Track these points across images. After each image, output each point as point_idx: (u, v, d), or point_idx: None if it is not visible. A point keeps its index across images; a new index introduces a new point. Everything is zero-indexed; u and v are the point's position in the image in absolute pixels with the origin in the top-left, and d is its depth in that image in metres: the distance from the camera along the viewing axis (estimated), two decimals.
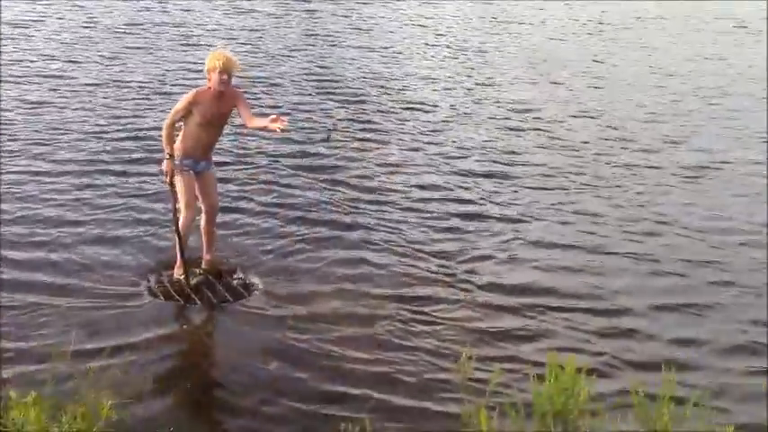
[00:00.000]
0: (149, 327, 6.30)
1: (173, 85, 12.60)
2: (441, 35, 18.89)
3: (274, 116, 6.49)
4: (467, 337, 6.47)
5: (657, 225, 8.94)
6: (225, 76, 6.40)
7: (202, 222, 6.96)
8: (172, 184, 6.60)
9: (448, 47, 17.62)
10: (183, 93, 11.06)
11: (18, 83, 12.26)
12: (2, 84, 12.03)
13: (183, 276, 6.91)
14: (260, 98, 12.30)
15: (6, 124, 10.44)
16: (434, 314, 6.76)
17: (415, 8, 22.46)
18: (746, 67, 17.15)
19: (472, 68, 15.68)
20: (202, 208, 6.93)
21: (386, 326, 6.53)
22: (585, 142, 11.65)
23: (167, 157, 6.50)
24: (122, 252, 7.45)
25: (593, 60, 17.24)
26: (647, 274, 7.84)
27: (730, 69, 17.03)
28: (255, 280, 7.07)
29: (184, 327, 6.50)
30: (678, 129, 12.53)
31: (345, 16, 20.23)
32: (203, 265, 7.07)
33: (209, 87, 6.49)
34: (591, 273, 7.75)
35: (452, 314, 6.78)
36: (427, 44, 17.77)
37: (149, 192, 8.83)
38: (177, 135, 6.63)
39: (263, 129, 6.84)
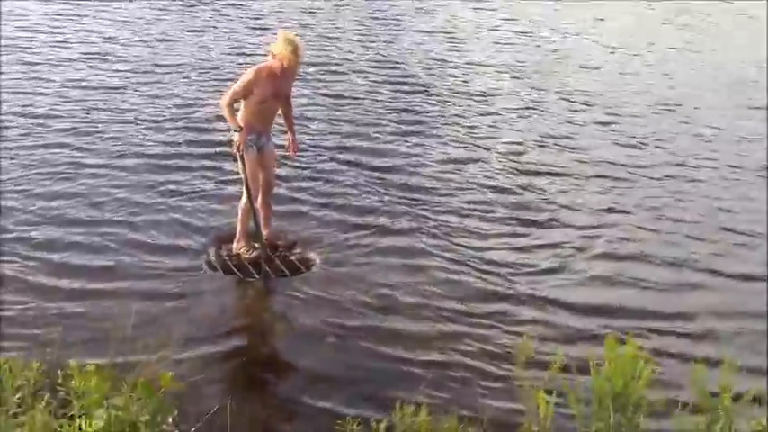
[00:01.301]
0: (208, 299, 6.38)
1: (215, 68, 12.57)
2: (510, 20, 18.13)
3: (293, 147, 7.15)
4: (527, 323, 6.40)
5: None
6: (284, 68, 6.42)
7: (260, 196, 7.00)
8: (242, 157, 6.63)
9: (513, 32, 17.03)
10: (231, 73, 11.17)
11: (60, 65, 12.12)
12: (40, 69, 11.89)
13: (242, 249, 6.97)
14: (315, 85, 12.13)
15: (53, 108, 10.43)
16: (489, 314, 6.53)
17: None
18: None
19: (539, 59, 14.99)
20: (260, 181, 6.96)
21: (438, 320, 6.41)
22: (656, 137, 10.96)
23: (237, 129, 6.52)
24: (180, 227, 7.53)
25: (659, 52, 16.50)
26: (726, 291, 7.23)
27: None
28: (313, 256, 7.08)
29: (242, 300, 6.55)
30: None
31: None
32: (263, 239, 7.11)
33: (270, 66, 6.49)
34: (661, 289, 7.17)
35: (508, 317, 6.53)
36: (492, 28, 17.21)
37: (205, 165, 8.92)
38: (237, 111, 6.66)
39: (288, 133, 7.14)
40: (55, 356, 4.63)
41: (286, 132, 7.21)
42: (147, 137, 9.61)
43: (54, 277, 6.54)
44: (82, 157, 8.88)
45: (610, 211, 8.62)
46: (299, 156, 8.16)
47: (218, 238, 7.32)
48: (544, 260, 7.43)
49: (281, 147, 7.71)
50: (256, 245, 6.96)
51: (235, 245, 7.04)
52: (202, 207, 7.94)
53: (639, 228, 8.24)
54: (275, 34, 6.57)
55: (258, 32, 14.63)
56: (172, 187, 8.31)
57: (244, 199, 6.84)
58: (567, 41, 16.38)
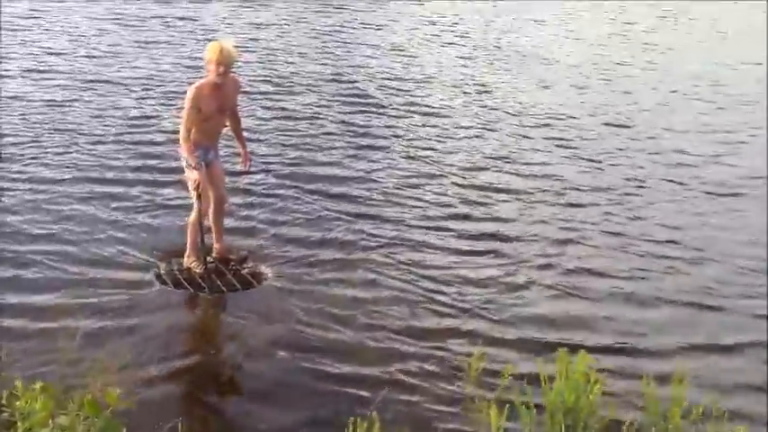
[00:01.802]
0: (158, 314, 6.27)
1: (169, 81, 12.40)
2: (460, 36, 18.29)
3: (246, 160, 7.06)
4: (478, 338, 6.41)
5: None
6: (222, 68, 6.32)
7: (211, 212, 6.93)
8: (200, 197, 6.53)
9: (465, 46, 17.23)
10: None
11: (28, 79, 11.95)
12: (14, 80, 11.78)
13: (193, 264, 6.89)
14: (264, 102, 12.00)
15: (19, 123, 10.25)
16: (441, 331, 6.49)
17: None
18: None
19: (488, 71, 15.22)
20: (211, 197, 6.89)
21: (390, 336, 6.37)
22: (610, 155, 11.05)
23: (198, 167, 6.44)
24: (131, 240, 7.42)
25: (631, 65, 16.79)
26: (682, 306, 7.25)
27: None
28: (265, 270, 7.03)
29: (192, 315, 6.47)
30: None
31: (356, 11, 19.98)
32: (213, 254, 7.04)
33: (209, 80, 6.41)
34: (613, 304, 7.16)
35: (460, 334, 6.49)
36: (444, 43, 17.33)
37: (155, 179, 8.83)
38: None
39: (239, 146, 7.09)
40: None
41: (237, 147, 7.15)
42: (91, 150, 9.44)
43: None
44: (26, 172, 8.69)
45: (564, 228, 8.58)
46: (251, 170, 8.01)
47: (168, 253, 7.22)
48: (497, 276, 7.40)
49: (235, 160, 7.66)
50: (207, 258, 6.88)
51: (185, 259, 6.96)
52: (151, 221, 7.83)
53: (593, 246, 8.23)
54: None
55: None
56: (119, 202, 8.18)
57: (193, 214, 6.77)
58: (524, 55, 16.66)
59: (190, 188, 6.64)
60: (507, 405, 4.06)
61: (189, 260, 6.93)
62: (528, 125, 12.02)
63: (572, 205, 9.22)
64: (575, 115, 12.66)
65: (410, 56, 15.70)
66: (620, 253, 8.13)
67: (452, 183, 9.55)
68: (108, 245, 7.27)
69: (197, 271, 6.84)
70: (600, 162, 10.69)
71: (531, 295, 7.15)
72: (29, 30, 14.67)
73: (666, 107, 13.70)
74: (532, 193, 9.46)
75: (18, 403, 3.52)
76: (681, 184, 10.17)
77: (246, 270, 7.01)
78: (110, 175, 8.83)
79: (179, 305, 6.51)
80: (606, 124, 12.40)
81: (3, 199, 7.95)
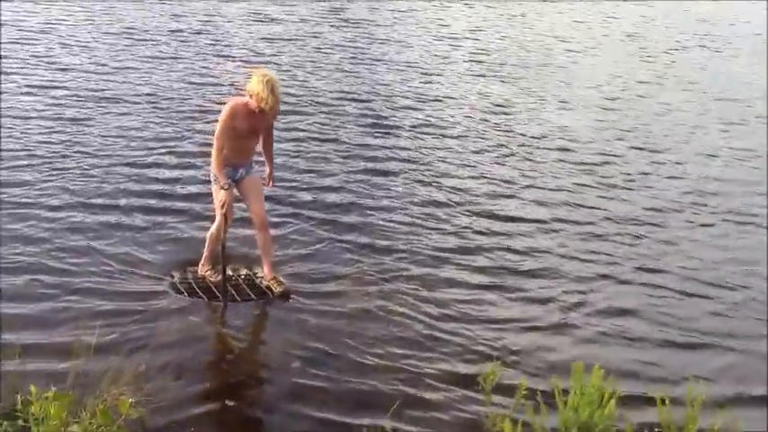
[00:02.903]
0: (172, 323, 6.28)
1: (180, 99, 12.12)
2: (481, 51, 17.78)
3: (270, 180, 6.91)
4: (495, 346, 6.41)
5: None
6: (262, 108, 6.21)
7: (257, 238, 6.89)
8: (225, 217, 6.49)
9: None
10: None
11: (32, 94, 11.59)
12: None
13: (207, 273, 6.90)
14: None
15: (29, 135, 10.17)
16: (456, 341, 6.49)
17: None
18: None
19: (507, 90, 14.85)
20: (251, 217, 6.85)
21: (411, 336, 6.43)
22: (636, 180, 10.64)
23: (225, 187, 6.40)
24: (146, 250, 7.44)
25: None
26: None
27: None
28: (280, 278, 7.02)
29: (207, 324, 6.47)
30: None
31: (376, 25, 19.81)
32: (264, 277, 6.97)
33: (247, 103, 6.31)
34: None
35: (475, 345, 6.48)
36: (461, 60, 17.05)
37: (172, 190, 8.85)
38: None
39: (266, 164, 6.94)
40: (13, 381, 4.53)
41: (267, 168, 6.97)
42: (105, 163, 9.36)
43: (14, 299, 6.41)
44: (42, 181, 8.68)
45: (589, 262, 8.15)
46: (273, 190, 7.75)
47: (183, 262, 7.25)
48: (516, 317, 6.99)
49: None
50: (219, 267, 6.89)
51: (200, 268, 6.98)
52: (166, 231, 7.85)
53: (623, 282, 7.85)
54: (249, 71, 6.44)
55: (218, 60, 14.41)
56: (133, 213, 8.18)
57: (214, 226, 6.76)
58: (544, 73, 16.41)
59: (215, 204, 6.59)
60: (521, 420, 4.04)
61: (203, 269, 6.94)
62: (548, 148, 11.64)
63: (597, 236, 8.81)
64: (597, 137, 12.37)
65: (426, 73, 15.37)
66: (651, 290, 7.74)
67: (468, 211, 9.13)
68: (123, 255, 7.28)
69: (212, 280, 6.85)
70: (625, 189, 10.34)
71: (556, 340, 6.71)
72: (38, 43, 14.43)
73: (696, 129, 13.44)
74: (554, 223, 9.04)
75: (32, 409, 3.53)
76: (713, 213, 9.83)
77: (261, 280, 7.01)
78: (122, 186, 8.79)
79: (193, 314, 6.50)
80: (631, 147, 11.99)
81: (17, 209, 7.95)
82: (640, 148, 12.03)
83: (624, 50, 19.40)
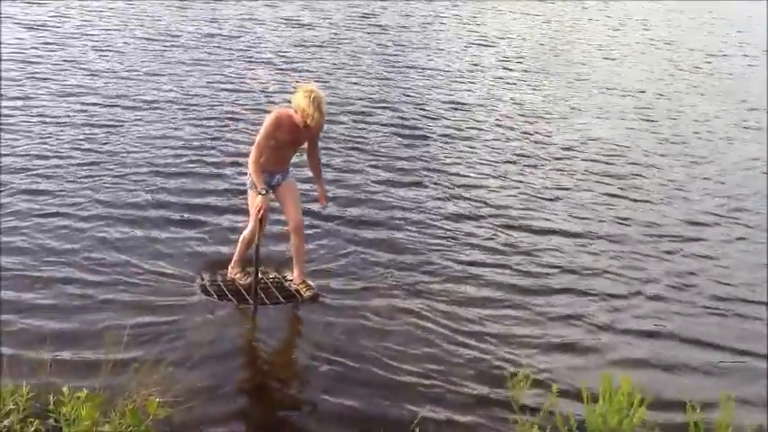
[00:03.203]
0: (201, 325, 6.33)
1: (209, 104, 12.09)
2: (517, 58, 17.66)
3: (323, 198, 6.87)
4: (523, 353, 6.39)
5: None
6: (307, 123, 6.22)
7: (291, 239, 6.89)
8: (261, 222, 6.49)
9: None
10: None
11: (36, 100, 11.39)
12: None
13: (237, 275, 6.95)
14: None
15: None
16: (488, 348, 6.48)
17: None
18: None
19: (541, 98, 14.70)
20: (287, 221, 6.86)
21: (438, 343, 6.42)
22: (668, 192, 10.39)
23: (263, 192, 6.37)
24: (176, 252, 7.50)
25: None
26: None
27: None
28: (309, 282, 7.04)
29: (235, 326, 6.51)
30: None
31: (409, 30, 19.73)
32: (293, 280, 7.01)
33: (292, 116, 6.28)
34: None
35: (506, 347, 6.50)
36: (494, 67, 16.80)
37: (203, 192, 8.92)
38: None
39: (315, 182, 6.93)
40: (45, 381, 4.59)
41: (317, 183, 6.95)
42: (136, 169, 9.41)
43: (46, 301, 6.48)
44: (75, 189, 8.70)
45: (623, 280, 7.92)
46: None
47: (212, 264, 7.31)
48: (546, 336, 6.78)
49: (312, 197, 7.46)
50: (249, 270, 6.93)
51: (229, 270, 7.03)
52: (196, 234, 7.91)
53: (656, 299, 7.63)
54: (295, 85, 6.41)
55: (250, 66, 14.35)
56: (166, 214, 8.28)
57: (248, 230, 6.78)
58: (580, 80, 16.26)
59: (251, 208, 6.60)
60: (549, 427, 4.03)
61: (233, 271, 6.99)
62: (580, 158, 11.48)
63: (630, 251, 8.61)
64: (631, 147, 12.19)
65: (457, 79, 15.29)
66: (685, 307, 7.57)
67: (497, 223, 8.94)
68: (154, 257, 7.34)
69: (241, 283, 6.89)
70: (659, 201, 10.16)
71: (585, 361, 6.52)
72: (72, 47, 14.44)
73: (733, 139, 13.25)
74: (586, 237, 8.86)
75: (64, 409, 3.58)
76: (749, 227, 9.61)
77: (290, 283, 7.04)
78: (154, 187, 8.90)
79: (222, 316, 6.55)
80: (666, 157, 11.90)
81: (54, 211, 8.05)
82: (676, 159, 11.90)
83: (660, 57, 19.20)
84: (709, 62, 19.35)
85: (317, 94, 6.17)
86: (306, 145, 6.74)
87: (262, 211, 6.42)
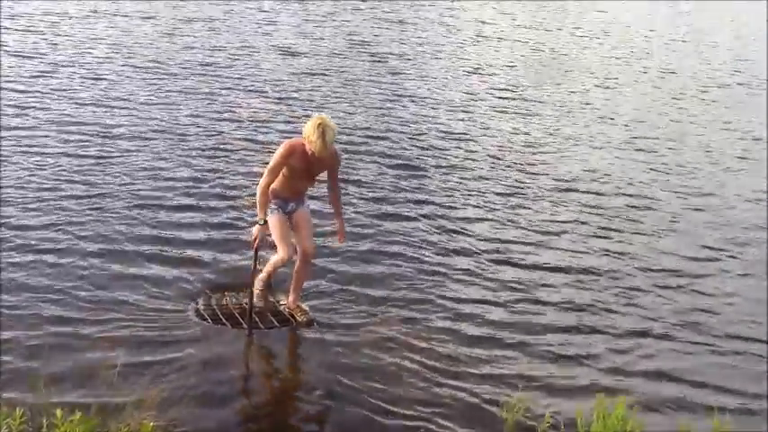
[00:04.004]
0: (196, 349, 6.32)
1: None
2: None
3: (341, 235, 6.81)
4: (520, 382, 6.38)
5: None
6: (316, 154, 6.19)
7: (296, 264, 6.82)
8: (257, 251, 6.55)
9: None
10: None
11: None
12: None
13: (257, 292, 6.82)
14: None
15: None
16: (489, 361, 6.57)
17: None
18: None
19: (540, 129, 14.19)
20: (299, 249, 6.76)
21: (430, 378, 6.38)
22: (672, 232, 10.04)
23: (261, 222, 6.41)
24: (171, 273, 7.50)
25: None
26: None
27: None
28: (305, 307, 7.03)
29: (230, 351, 6.49)
30: None
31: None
32: (288, 305, 7.00)
33: (303, 144, 6.24)
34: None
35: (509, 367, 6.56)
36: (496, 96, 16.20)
37: (201, 216, 8.90)
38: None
39: (335, 217, 6.86)
40: (40, 402, 4.58)
41: (337, 219, 6.86)
42: (134, 182, 9.45)
43: (40, 320, 6.50)
44: (70, 206, 8.70)
45: (629, 318, 7.74)
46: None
47: (207, 288, 7.31)
48: (553, 385, 6.52)
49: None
50: (243, 295, 6.93)
51: (256, 282, 6.84)
52: (191, 256, 7.91)
53: (660, 338, 7.45)
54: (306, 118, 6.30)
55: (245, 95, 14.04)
56: (159, 236, 8.26)
57: (278, 255, 6.60)
58: (582, 111, 15.86)
59: (274, 236, 6.56)
60: None
61: (257, 286, 6.80)
62: (579, 191, 11.15)
63: (632, 288, 8.41)
64: (631, 180, 11.86)
65: (454, 109, 14.79)
66: (689, 347, 7.43)
67: (494, 259, 8.69)
68: (148, 280, 7.33)
69: (256, 303, 6.80)
70: (661, 235, 9.92)
71: (586, 404, 5.71)
72: (60, 76, 13.80)
73: (736, 172, 12.98)
74: (585, 274, 8.62)
75: None
76: (751, 262, 9.42)
77: (284, 308, 7.04)
78: (149, 211, 8.84)
79: (216, 341, 6.53)
80: (667, 190, 11.58)
81: (50, 234, 8.04)
82: (676, 192, 11.62)
83: (659, 87, 18.93)
84: (708, 92, 19.14)
85: (322, 122, 6.14)
86: (327, 178, 6.68)
87: (257, 241, 6.45)
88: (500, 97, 16.15)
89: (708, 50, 24.17)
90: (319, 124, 6.09)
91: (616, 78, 19.30)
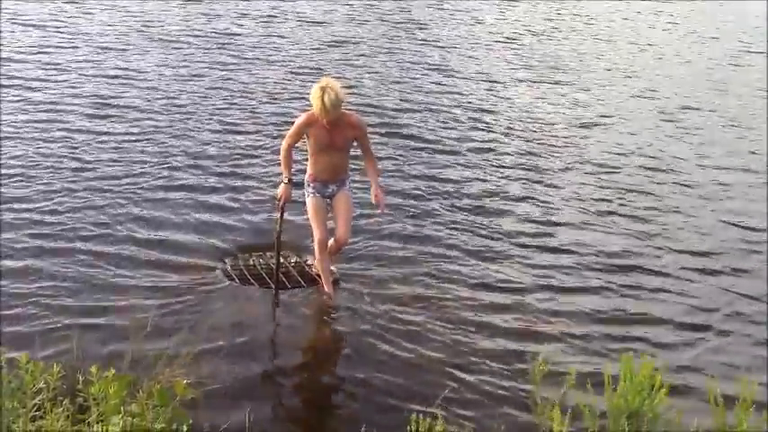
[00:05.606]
0: (225, 309, 6.42)
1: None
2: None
3: (381, 201, 6.50)
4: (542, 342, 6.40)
5: None
6: (325, 121, 6.17)
7: (331, 241, 6.71)
8: (282, 210, 6.59)
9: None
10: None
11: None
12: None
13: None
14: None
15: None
16: (510, 324, 6.58)
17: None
18: None
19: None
20: (334, 234, 6.68)
21: (456, 336, 6.38)
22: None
23: (285, 181, 6.46)
24: (199, 235, 7.61)
25: None
26: None
27: None
28: (332, 268, 7.07)
29: (258, 310, 6.57)
30: None
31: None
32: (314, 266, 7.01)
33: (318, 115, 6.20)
34: None
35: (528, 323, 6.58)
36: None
37: (229, 180, 9.00)
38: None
39: (372, 186, 6.59)
40: (74, 361, 4.66)
41: (373, 187, 6.60)
42: (163, 158, 9.49)
43: (71, 274, 6.69)
44: (94, 172, 8.88)
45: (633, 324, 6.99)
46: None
47: (235, 249, 7.40)
48: None
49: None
50: (269, 255, 7.00)
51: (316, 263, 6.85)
52: (219, 219, 8.01)
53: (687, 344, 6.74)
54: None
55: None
56: (188, 200, 8.37)
57: (317, 238, 6.55)
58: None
59: (310, 218, 6.58)
60: (570, 408, 4.04)
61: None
62: (620, 172, 10.46)
63: (643, 287, 7.61)
64: (652, 176, 10.57)
65: (482, 84, 14.12)
66: (737, 327, 7.06)
67: (519, 243, 8.21)
68: (177, 243, 7.45)
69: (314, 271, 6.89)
70: (671, 240, 8.71)
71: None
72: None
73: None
74: (622, 257, 8.12)
75: (92, 389, 3.64)
76: None
77: (312, 267, 7.09)
78: (175, 175, 9.00)
79: (244, 300, 6.62)
80: (682, 194, 10.08)
81: (68, 198, 8.16)
82: (695, 196, 10.14)
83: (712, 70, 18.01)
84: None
85: (324, 85, 6.04)
86: (362, 152, 6.63)
87: (282, 200, 6.49)
88: (531, 72, 15.41)
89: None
90: (321, 87, 6.04)
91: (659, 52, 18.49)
